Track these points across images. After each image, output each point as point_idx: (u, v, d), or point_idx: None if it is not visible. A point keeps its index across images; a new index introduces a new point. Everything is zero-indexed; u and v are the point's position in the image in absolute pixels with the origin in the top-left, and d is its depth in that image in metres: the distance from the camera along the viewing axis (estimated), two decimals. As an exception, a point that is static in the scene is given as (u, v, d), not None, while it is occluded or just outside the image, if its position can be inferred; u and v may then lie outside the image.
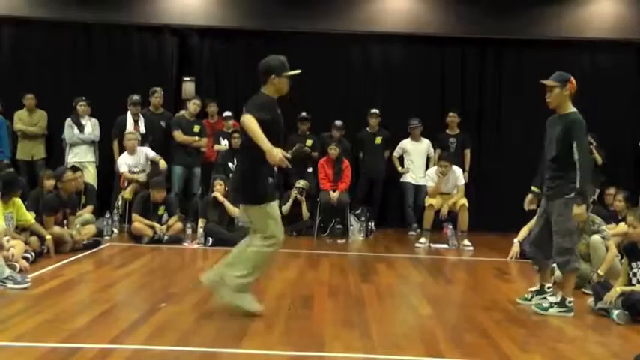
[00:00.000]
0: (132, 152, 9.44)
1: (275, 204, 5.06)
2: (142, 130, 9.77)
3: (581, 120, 5.30)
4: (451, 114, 10.39)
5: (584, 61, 11.04)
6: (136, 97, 9.80)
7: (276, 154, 4.65)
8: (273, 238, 4.99)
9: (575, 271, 5.49)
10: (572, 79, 5.41)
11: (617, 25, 10.56)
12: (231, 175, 9.53)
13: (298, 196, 9.67)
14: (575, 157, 5.19)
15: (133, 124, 9.81)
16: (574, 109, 5.39)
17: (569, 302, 5.41)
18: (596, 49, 11.00)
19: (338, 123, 10.28)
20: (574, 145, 5.20)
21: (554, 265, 5.74)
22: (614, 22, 10.58)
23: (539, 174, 5.64)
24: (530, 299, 5.74)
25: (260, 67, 5.02)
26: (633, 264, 5.50)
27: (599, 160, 10.36)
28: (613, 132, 10.69)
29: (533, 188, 5.72)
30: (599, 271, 6.07)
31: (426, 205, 9.19)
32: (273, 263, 5.59)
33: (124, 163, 9.40)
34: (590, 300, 5.61)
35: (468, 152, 10.37)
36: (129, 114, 9.83)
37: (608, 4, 10.60)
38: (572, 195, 5.19)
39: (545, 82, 5.41)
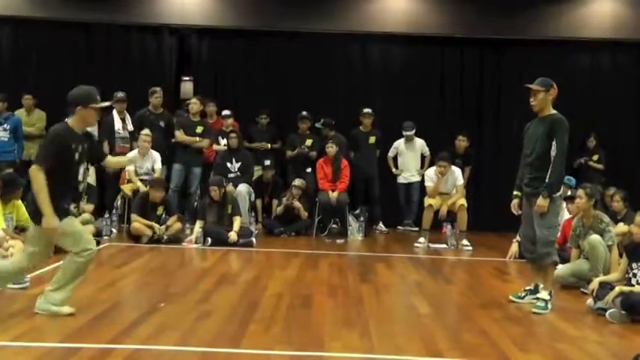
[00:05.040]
0: (143, 154, 9.39)
1: (69, 219, 4.85)
2: (130, 127, 9.72)
3: (563, 120, 5.50)
4: (460, 137, 10.34)
5: (583, 61, 11.08)
6: (120, 94, 9.64)
7: (53, 226, 4.66)
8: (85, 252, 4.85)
9: (554, 265, 5.73)
10: (555, 85, 5.58)
11: (617, 25, 10.58)
12: (229, 175, 9.58)
13: (291, 202, 9.62)
14: (552, 153, 5.40)
15: (121, 123, 9.74)
16: (555, 111, 5.58)
17: (552, 294, 5.62)
18: (595, 49, 11.01)
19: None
20: (553, 143, 5.40)
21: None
22: (613, 21, 10.59)
23: (519, 179, 5.78)
24: (522, 298, 5.80)
25: (67, 98, 4.93)
26: (634, 264, 5.51)
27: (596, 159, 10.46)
28: (613, 132, 10.73)
29: (516, 193, 5.82)
30: (601, 276, 6.03)
31: (425, 205, 9.20)
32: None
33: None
34: (590, 300, 5.61)
35: (468, 170, 10.30)
36: (114, 113, 9.72)
37: (607, 4, 10.61)
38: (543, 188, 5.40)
39: (530, 86, 5.58)
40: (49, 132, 4.97)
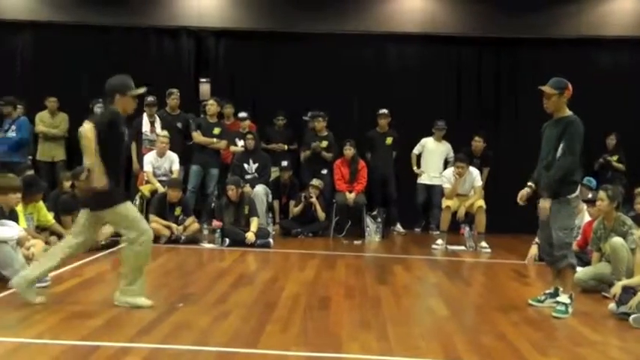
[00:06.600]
0: (161, 155, 9.47)
1: (128, 204, 5.21)
2: (158, 131, 9.83)
3: (576, 121, 5.42)
4: (477, 138, 10.25)
5: (603, 59, 10.95)
6: (150, 98, 9.80)
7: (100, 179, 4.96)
8: (142, 236, 5.11)
9: (572, 268, 5.59)
10: (570, 85, 5.48)
11: (638, 23, 10.45)
12: (246, 176, 9.60)
13: (308, 199, 9.64)
14: (558, 154, 5.36)
15: (150, 126, 9.86)
16: (570, 112, 5.50)
17: (573, 297, 5.53)
18: (616, 48, 10.88)
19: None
20: (561, 144, 5.34)
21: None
22: (634, 19, 10.47)
23: (537, 173, 5.71)
24: (542, 301, 5.74)
25: (105, 87, 5.21)
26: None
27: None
28: (634, 131, 10.58)
29: (530, 184, 5.74)
30: (624, 279, 5.95)
31: (443, 206, 9.15)
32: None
33: (149, 162, 9.44)
34: (612, 304, 5.53)
35: (486, 171, 10.21)
36: (145, 115, 9.86)
37: (627, 2, 10.50)
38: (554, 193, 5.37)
39: (543, 88, 5.51)
40: (107, 115, 5.13)
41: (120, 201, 5.12)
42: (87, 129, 4.92)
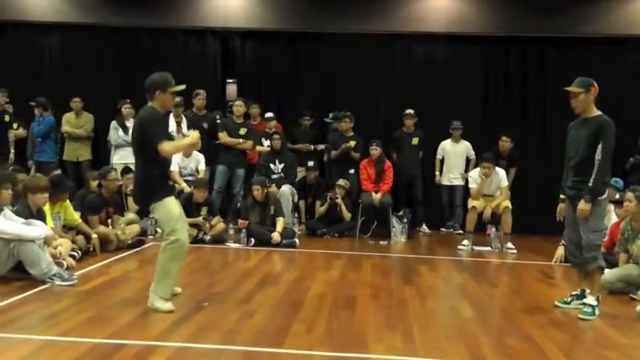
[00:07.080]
0: (187, 155, 9.56)
1: (170, 199, 5.18)
2: (185, 131, 9.90)
3: (610, 122, 5.32)
4: (504, 138, 10.14)
5: (633, 58, 10.75)
6: (177, 98, 9.88)
7: (194, 135, 5.40)
8: (173, 234, 5.12)
9: (600, 270, 5.53)
10: (595, 83, 5.41)
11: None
12: (272, 176, 9.63)
13: (334, 199, 9.64)
14: (597, 157, 5.24)
15: (176, 126, 9.93)
16: (600, 112, 5.41)
17: (600, 299, 5.47)
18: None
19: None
20: (599, 147, 5.24)
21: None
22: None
23: (564, 181, 5.63)
24: (569, 303, 5.67)
25: (145, 84, 5.20)
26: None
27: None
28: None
29: (562, 197, 5.68)
30: None
31: (469, 207, 9.09)
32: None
33: (176, 162, 9.50)
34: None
35: (512, 171, 10.12)
36: (171, 116, 9.94)
37: (658, 0, 10.33)
38: (585, 192, 5.27)
39: (569, 89, 5.43)
40: (145, 118, 5.11)
41: (163, 196, 5.12)
42: (165, 150, 5.00)
